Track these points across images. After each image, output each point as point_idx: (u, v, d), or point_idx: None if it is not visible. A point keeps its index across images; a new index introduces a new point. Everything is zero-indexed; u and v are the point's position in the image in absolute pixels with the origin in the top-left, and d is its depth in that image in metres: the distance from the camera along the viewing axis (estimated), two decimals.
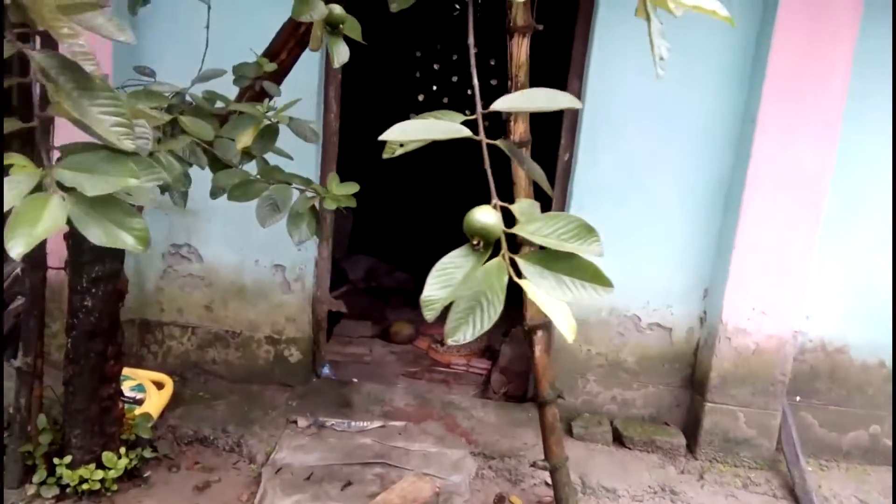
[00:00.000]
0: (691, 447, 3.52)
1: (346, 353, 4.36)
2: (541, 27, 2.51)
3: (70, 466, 2.70)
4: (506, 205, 1.01)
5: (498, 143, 1.12)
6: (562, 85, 3.49)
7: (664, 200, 3.44)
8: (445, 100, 8.92)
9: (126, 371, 3.38)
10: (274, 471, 3.02)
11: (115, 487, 2.76)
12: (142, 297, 3.60)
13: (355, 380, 3.98)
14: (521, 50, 2.51)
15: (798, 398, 3.60)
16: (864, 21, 3.10)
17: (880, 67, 3.19)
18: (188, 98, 2.19)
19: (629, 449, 3.49)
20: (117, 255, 2.71)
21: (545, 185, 1.22)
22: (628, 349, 3.60)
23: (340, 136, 3.60)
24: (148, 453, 2.90)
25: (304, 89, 3.35)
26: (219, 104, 2.20)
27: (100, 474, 2.70)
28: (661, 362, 3.60)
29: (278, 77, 2.66)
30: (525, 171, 2.62)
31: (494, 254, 0.97)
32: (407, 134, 0.99)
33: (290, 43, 2.59)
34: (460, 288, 0.91)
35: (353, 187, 1.89)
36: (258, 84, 2.38)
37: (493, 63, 7.31)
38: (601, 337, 3.59)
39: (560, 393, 2.91)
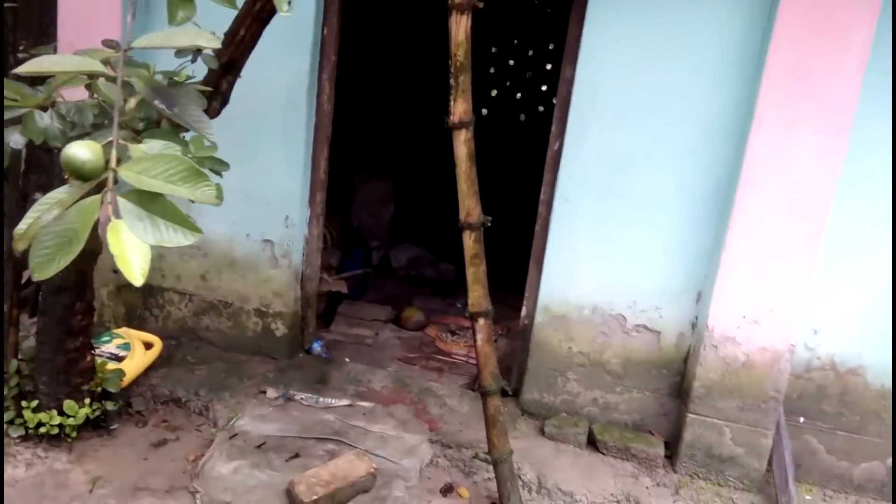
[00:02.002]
0: (672, 459, 3.28)
1: (349, 334, 4.41)
2: (481, 5, 2.41)
3: (35, 410, 2.91)
4: (127, 143, 0.98)
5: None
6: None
7: (657, 195, 3.21)
8: (518, 95, 8.84)
9: (119, 330, 3.61)
10: (228, 436, 3.12)
11: (74, 434, 2.94)
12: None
13: (347, 359, 4.02)
14: (459, 28, 2.44)
15: (802, 419, 3.27)
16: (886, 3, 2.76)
17: None
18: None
19: (602, 454, 3.31)
20: None
21: (205, 131, 1.18)
22: (612, 350, 3.40)
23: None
24: (111, 406, 3.07)
25: (293, 70, 3.44)
26: (142, 72, 2.29)
27: (58, 420, 2.89)
28: (648, 367, 3.38)
29: (241, 53, 2.74)
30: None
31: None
32: (44, 66, 0.99)
33: (247, 20, 2.65)
34: (51, 224, 0.90)
35: (211, 150, 1.91)
36: (195, 57, 2.45)
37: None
38: (583, 335, 3.42)
39: (504, 386, 2.80)
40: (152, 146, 1.03)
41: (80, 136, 2.07)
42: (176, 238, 0.94)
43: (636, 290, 3.32)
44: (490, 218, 2.65)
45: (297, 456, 3.04)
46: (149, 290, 3.86)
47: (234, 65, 2.77)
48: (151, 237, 0.92)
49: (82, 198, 0.95)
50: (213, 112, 2.80)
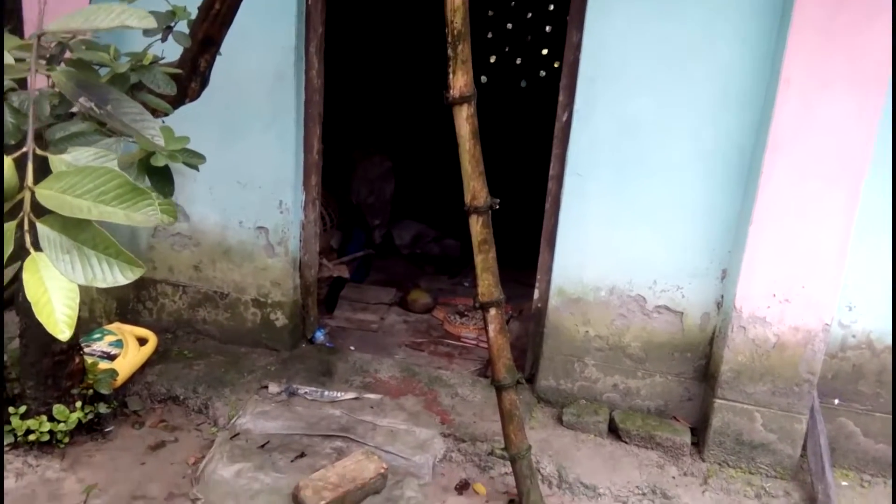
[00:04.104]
0: (699, 447, 3.11)
1: (353, 320, 4.23)
2: None
3: (24, 416, 2.75)
4: (47, 154, 0.77)
5: None
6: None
7: (675, 166, 2.99)
8: (518, 60, 8.52)
9: (111, 326, 3.44)
10: (230, 436, 2.95)
11: (66, 440, 2.78)
12: (136, 253, 3.60)
13: (352, 348, 3.85)
14: None
15: (837, 401, 3.08)
16: None
17: None
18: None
19: (625, 443, 3.13)
20: None
21: (146, 132, 0.97)
22: (632, 333, 3.21)
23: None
24: (104, 409, 2.91)
25: (279, 45, 3.20)
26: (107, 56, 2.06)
27: (49, 426, 2.72)
28: (671, 350, 3.19)
29: (219, 28, 2.50)
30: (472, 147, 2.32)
31: None
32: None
33: None
34: None
35: (183, 140, 1.69)
36: (165, 35, 2.22)
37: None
38: (600, 318, 3.22)
39: (519, 378, 2.61)
40: (79, 156, 0.82)
41: (38, 132, 1.86)
42: (112, 275, 0.74)
43: (656, 269, 3.11)
44: (498, 200, 2.43)
45: (302, 455, 2.87)
46: (140, 282, 3.67)
47: (212, 41, 2.52)
48: (80, 275, 0.72)
49: None
50: (192, 94, 2.57)
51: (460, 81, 2.27)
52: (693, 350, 3.16)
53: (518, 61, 8.33)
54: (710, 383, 3.10)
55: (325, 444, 2.96)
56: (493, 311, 2.52)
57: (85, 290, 3.53)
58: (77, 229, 0.73)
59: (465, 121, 2.37)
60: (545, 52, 8.12)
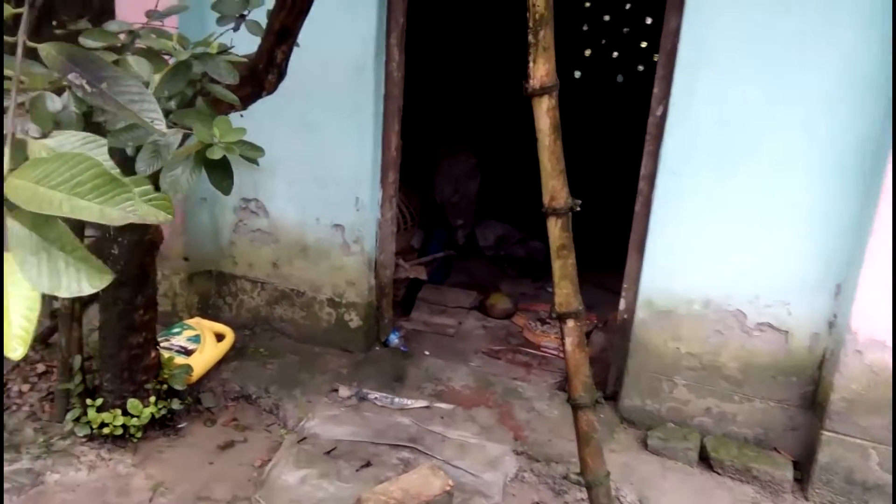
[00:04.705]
0: (802, 484, 2.78)
1: (431, 323, 4.11)
2: None
3: (101, 409, 2.79)
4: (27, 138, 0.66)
5: None
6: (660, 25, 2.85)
7: (785, 163, 2.67)
8: (615, 54, 8.14)
9: (191, 321, 3.46)
10: (297, 439, 2.89)
11: (139, 434, 2.81)
12: (217, 249, 3.65)
13: (427, 353, 3.73)
14: None
15: None
16: None
17: None
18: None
19: (717, 474, 2.85)
20: None
21: (146, 114, 0.84)
22: (729, 352, 2.91)
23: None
24: (177, 405, 2.91)
25: (358, 36, 3.11)
26: (171, 44, 2.01)
27: (122, 420, 2.75)
28: (773, 373, 2.86)
29: (295, 19, 2.42)
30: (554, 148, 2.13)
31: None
32: None
33: None
34: None
35: (240, 132, 1.59)
36: (237, 24, 2.16)
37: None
38: (693, 334, 2.94)
39: (598, 397, 2.40)
40: (64, 140, 0.71)
41: (98, 125, 1.83)
42: (78, 283, 0.62)
43: (759, 282, 2.80)
44: (580, 201, 2.22)
45: (368, 465, 2.77)
46: (221, 277, 3.69)
47: (289, 32, 2.45)
48: (45, 281, 0.61)
49: None
50: (269, 86, 2.50)
51: (541, 70, 2.08)
52: (799, 374, 2.83)
53: (615, 55, 7.97)
54: (817, 413, 2.76)
55: (392, 453, 2.85)
56: (571, 323, 2.32)
57: (168, 284, 3.59)
58: (46, 227, 0.62)
59: (545, 113, 2.17)
60: (644, 44, 7.72)
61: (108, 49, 1.95)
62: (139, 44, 1.92)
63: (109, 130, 1.76)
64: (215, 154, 1.54)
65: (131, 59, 1.82)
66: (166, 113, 1.82)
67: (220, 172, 1.66)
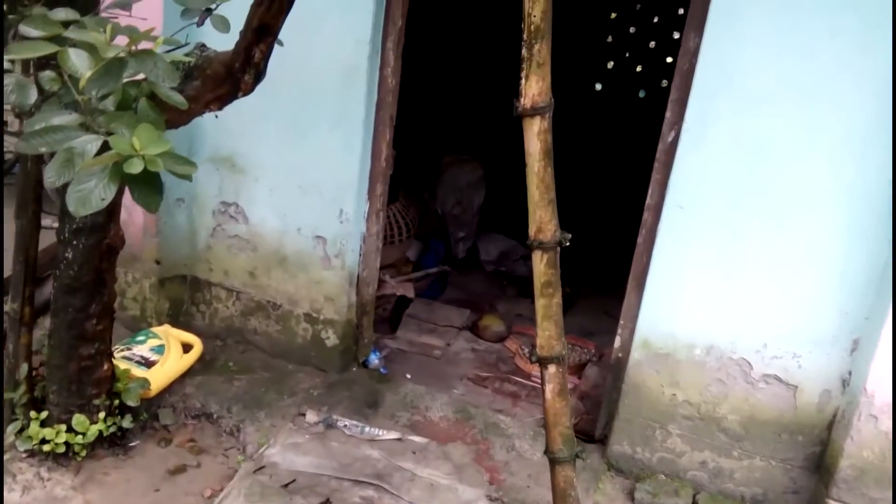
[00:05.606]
0: None
1: (417, 343, 3.88)
2: None
3: (45, 423, 2.59)
4: None
5: None
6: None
7: (806, 204, 2.41)
8: (639, 68, 7.87)
9: (158, 329, 3.26)
10: (254, 468, 2.67)
11: (83, 453, 2.60)
12: (193, 253, 3.44)
13: (408, 376, 3.50)
14: None
15: None
16: None
17: None
18: None
19: None
20: None
21: None
22: (730, 404, 2.66)
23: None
24: (128, 423, 2.71)
25: (352, 37, 2.90)
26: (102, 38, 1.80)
27: (65, 437, 2.55)
28: (778, 430, 2.61)
29: (275, 15, 2.20)
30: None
31: None
32: None
33: None
34: None
35: (164, 144, 1.37)
36: (202, 18, 1.95)
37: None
38: (692, 381, 2.69)
39: (578, 451, 2.15)
40: None
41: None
42: None
43: (768, 330, 2.55)
44: (569, 235, 2.00)
45: (327, 502, 2.55)
46: (196, 283, 3.49)
47: (268, 30, 2.22)
48: None
49: None
50: (245, 87, 2.29)
51: (534, 89, 1.85)
52: (806, 434, 2.57)
53: (638, 69, 7.70)
54: (823, 478, 2.50)
55: (355, 491, 2.62)
56: (552, 369, 2.08)
57: (138, 288, 3.39)
58: None
59: (536, 136, 1.96)
60: (670, 60, 7.45)
61: (48, 39, 1.76)
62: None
63: (20, 133, 1.55)
64: (133, 167, 1.33)
65: (71, 52, 1.62)
66: (97, 115, 1.61)
67: (145, 187, 1.44)
